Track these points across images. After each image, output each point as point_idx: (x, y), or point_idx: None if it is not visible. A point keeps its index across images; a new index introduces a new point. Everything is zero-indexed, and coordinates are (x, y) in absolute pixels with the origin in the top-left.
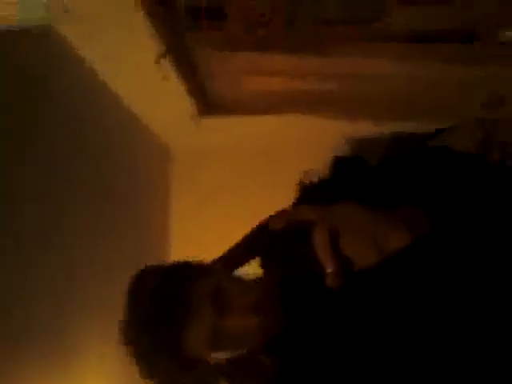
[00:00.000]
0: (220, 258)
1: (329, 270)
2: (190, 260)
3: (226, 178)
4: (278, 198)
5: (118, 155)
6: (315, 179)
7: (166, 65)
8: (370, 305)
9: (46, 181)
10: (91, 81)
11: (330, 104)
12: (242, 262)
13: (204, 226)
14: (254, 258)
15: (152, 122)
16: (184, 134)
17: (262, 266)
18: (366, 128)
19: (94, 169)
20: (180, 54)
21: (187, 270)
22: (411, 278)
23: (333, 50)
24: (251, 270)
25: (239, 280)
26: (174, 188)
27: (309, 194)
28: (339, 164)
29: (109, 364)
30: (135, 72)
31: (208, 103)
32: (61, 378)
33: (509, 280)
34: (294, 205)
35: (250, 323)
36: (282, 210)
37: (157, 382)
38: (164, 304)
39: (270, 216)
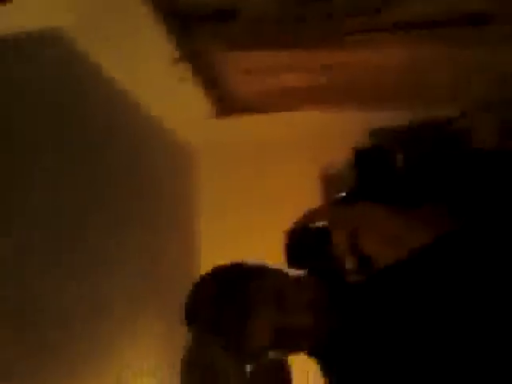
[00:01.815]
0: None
1: (347, 268)
2: (246, 261)
3: (249, 175)
4: (302, 192)
5: (142, 159)
6: (338, 170)
7: (182, 67)
8: (393, 301)
9: (72, 184)
10: (110, 88)
11: (342, 97)
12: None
13: (231, 226)
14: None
15: (172, 124)
16: (203, 133)
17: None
18: (380, 118)
19: (119, 173)
20: (193, 56)
21: (246, 272)
22: (431, 275)
23: (344, 42)
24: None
25: (296, 279)
26: (198, 186)
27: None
28: (361, 155)
29: None
30: (153, 76)
31: (225, 102)
32: None
33: None
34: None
35: (309, 322)
36: (306, 212)
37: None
38: (229, 307)
39: (294, 222)
